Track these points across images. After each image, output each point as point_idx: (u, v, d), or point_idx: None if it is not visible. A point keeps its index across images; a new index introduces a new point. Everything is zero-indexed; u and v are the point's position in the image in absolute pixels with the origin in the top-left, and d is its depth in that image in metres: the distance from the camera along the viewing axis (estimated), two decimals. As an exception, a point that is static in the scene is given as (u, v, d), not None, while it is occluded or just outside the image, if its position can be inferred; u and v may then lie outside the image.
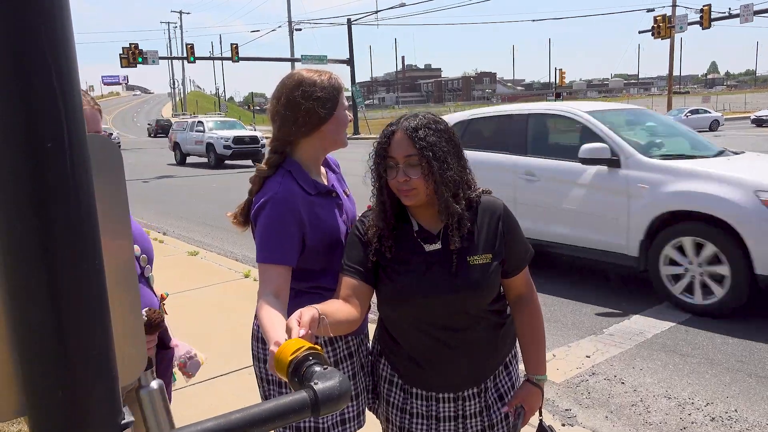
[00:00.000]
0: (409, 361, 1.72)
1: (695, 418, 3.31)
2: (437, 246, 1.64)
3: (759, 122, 32.77)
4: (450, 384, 1.72)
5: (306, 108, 1.73)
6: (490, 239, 1.66)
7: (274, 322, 1.47)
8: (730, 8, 28.30)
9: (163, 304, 2.26)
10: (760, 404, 3.43)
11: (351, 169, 2.54)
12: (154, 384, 1.82)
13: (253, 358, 1.90)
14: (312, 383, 1.00)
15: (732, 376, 3.79)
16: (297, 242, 1.69)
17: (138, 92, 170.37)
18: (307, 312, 1.31)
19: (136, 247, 2.09)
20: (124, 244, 0.85)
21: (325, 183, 1.87)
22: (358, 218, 1.76)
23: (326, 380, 1.02)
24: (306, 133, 1.77)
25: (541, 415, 1.81)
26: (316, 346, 1.18)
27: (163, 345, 2.17)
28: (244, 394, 3.56)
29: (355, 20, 36.84)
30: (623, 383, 3.77)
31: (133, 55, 29.46)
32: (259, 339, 1.84)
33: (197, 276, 6.26)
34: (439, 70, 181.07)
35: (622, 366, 4.02)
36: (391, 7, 35.95)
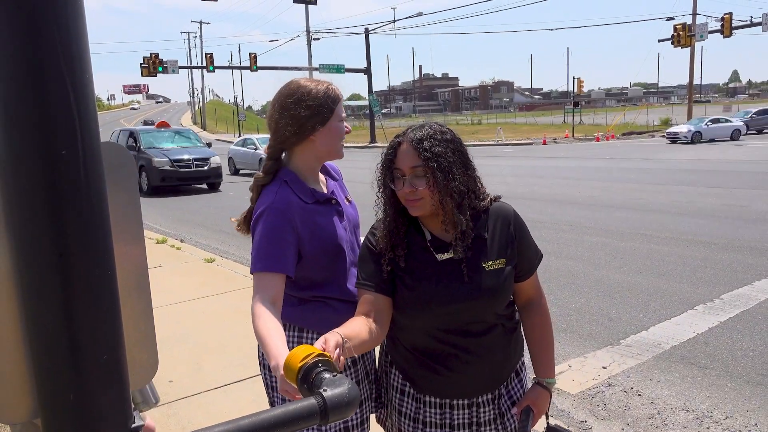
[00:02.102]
0: (425, 369, 1.71)
1: (714, 432, 3.26)
2: (450, 254, 1.64)
3: None
4: (466, 390, 1.72)
5: (296, 116, 1.74)
6: (502, 244, 1.68)
7: (272, 334, 1.47)
8: (752, 16, 28.00)
9: None
10: (781, 419, 3.36)
11: (363, 176, 2.54)
12: None
13: (259, 365, 1.91)
14: (321, 390, 1.01)
15: (752, 390, 3.72)
16: (293, 251, 1.69)
17: (161, 100, 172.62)
18: (332, 339, 1.33)
19: None
20: (137, 250, 0.86)
21: (324, 191, 1.88)
22: (369, 231, 1.76)
23: (335, 387, 1.02)
24: (296, 141, 1.78)
25: (548, 418, 1.81)
26: (326, 353, 1.19)
27: None
28: (258, 401, 3.57)
29: (373, 30, 37.06)
30: (640, 395, 3.72)
31: (153, 65, 29.90)
32: (265, 365, 1.86)
33: (214, 283, 6.31)
34: (457, 78, 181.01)
35: (640, 378, 3.96)
36: (409, 17, 36.11)
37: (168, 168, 15.91)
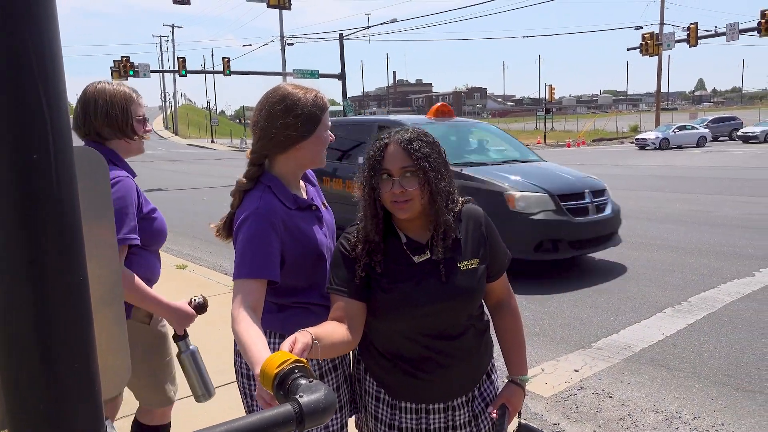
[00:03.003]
0: (401, 374, 1.71)
1: (683, 433, 3.32)
2: (427, 256, 1.66)
3: (746, 138, 33.19)
4: (441, 393, 1.73)
5: (285, 124, 1.72)
6: (476, 245, 1.71)
7: (255, 341, 1.46)
8: (716, 27, 28.84)
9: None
10: (746, 418, 3.45)
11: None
12: (193, 347, 2.47)
13: (236, 373, 1.89)
14: (297, 396, 1.00)
15: (719, 390, 3.81)
16: (277, 257, 1.68)
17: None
18: (302, 339, 1.32)
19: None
20: (109, 257, 0.85)
21: (305, 197, 1.88)
22: (341, 235, 1.75)
23: (311, 393, 1.02)
24: (283, 149, 1.76)
25: (520, 416, 1.83)
26: (302, 359, 1.18)
27: None
28: (236, 408, 3.53)
29: (347, 35, 37.06)
30: (611, 397, 3.78)
31: (124, 68, 29.46)
32: (241, 354, 1.84)
33: (186, 290, 6.22)
34: (431, 85, 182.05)
35: (611, 380, 4.03)
36: (383, 23, 36.23)
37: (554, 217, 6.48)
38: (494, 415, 1.74)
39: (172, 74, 66.72)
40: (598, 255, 7.52)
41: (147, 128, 2.29)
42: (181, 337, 2.39)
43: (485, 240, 1.74)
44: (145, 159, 37.27)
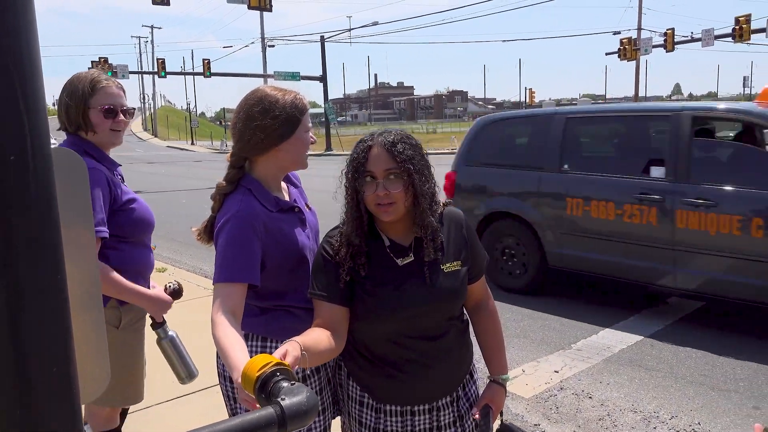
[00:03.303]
0: (385, 378, 1.71)
1: (661, 432, 3.37)
2: (410, 258, 1.67)
3: (720, 142, 33.74)
4: (426, 395, 1.73)
5: (263, 126, 1.71)
6: (458, 247, 1.73)
7: (233, 345, 1.45)
8: (692, 32, 29.38)
9: None
10: (722, 417, 3.51)
11: (324, 185, 2.55)
12: (172, 333, 2.52)
13: (219, 376, 1.88)
14: (279, 399, 1.00)
15: (695, 390, 3.87)
16: (258, 260, 1.67)
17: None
18: (292, 352, 1.32)
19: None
20: (88, 260, 0.84)
21: (287, 198, 1.87)
22: (323, 239, 1.74)
23: (293, 396, 1.02)
24: (261, 151, 1.75)
25: (502, 416, 1.85)
26: (284, 361, 1.18)
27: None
28: (211, 413, 3.49)
29: (329, 38, 37.04)
30: (591, 398, 3.82)
31: (102, 69, 29.12)
32: (225, 377, 1.83)
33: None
34: (412, 87, 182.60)
35: (590, 381, 4.07)
36: (365, 26, 36.29)
37: None
38: (477, 416, 1.75)
39: (151, 75, 66.07)
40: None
41: (117, 119, 2.17)
42: (159, 325, 2.40)
43: (466, 242, 1.76)
44: (123, 161, 36.71)
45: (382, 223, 1.68)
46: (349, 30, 39.80)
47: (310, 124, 1.84)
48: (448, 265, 1.69)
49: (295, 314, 1.80)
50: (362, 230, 1.65)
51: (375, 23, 38.03)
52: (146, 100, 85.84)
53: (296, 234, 1.80)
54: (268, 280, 1.72)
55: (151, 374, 4.04)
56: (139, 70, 73.01)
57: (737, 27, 25.76)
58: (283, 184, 1.91)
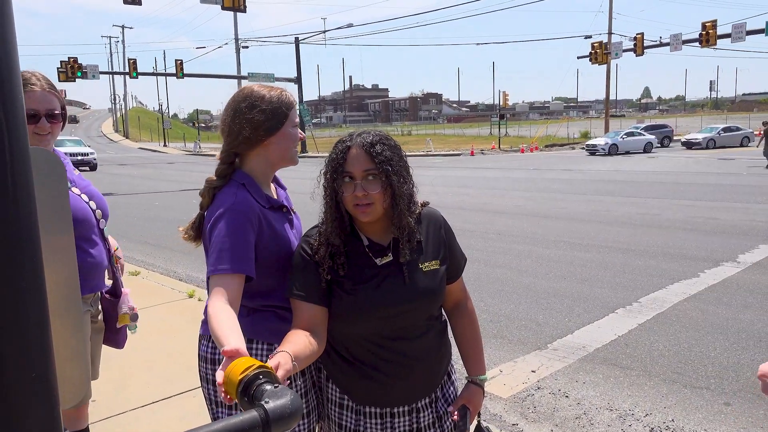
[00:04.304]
0: (365, 379, 1.70)
1: (635, 429, 3.42)
2: (389, 258, 1.67)
3: (689, 145, 34.53)
4: (406, 396, 1.73)
5: (250, 120, 1.74)
6: (436, 246, 1.74)
7: (224, 323, 1.43)
8: (661, 37, 29.92)
9: (118, 258, 2.67)
10: (694, 413, 3.58)
11: (298, 186, 2.53)
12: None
13: (201, 379, 1.85)
14: (263, 402, 0.99)
15: (669, 387, 3.94)
16: (253, 253, 1.67)
17: (88, 107, 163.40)
18: (284, 366, 1.32)
19: (92, 203, 2.34)
20: (67, 262, 0.82)
21: (277, 199, 1.88)
22: (302, 239, 1.74)
23: (277, 399, 1.01)
24: (250, 146, 1.77)
25: (479, 417, 1.85)
26: (267, 364, 1.17)
27: (115, 294, 2.57)
28: (188, 418, 3.45)
29: (303, 39, 36.93)
30: (567, 397, 3.86)
31: (72, 70, 28.55)
32: (207, 360, 1.80)
33: (138, 297, 6.04)
34: (387, 90, 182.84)
35: (567, 380, 4.12)
36: (339, 27, 36.28)
37: None
38: (455, 417, 1.75)
39: (122, 76, 65.00)
40: (554, 257, 7.69)
41: (39, 124, 2.09)
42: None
43: (444, 242, 1.77)
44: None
45: (361, 222, 1.68)
46: (324, 32, 39.70)
47: (298, 120, 1.86)
48: (426, 264, 1.70)
49: (282, 316, 1.79)
50: (342, 230, 1.65)
51: (350, 25, 38.04)
52: (117, 101, 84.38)
53: (286, 233, 1.80)
54: (258, 277, 1.71)
55: (127, 378, 3.98)
56: (110, 70, 71.80)
57: (704, 32, 26.36)
58: (272, 186, 1.91)
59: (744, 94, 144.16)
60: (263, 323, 1.77)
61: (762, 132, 21.50)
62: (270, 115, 1.75)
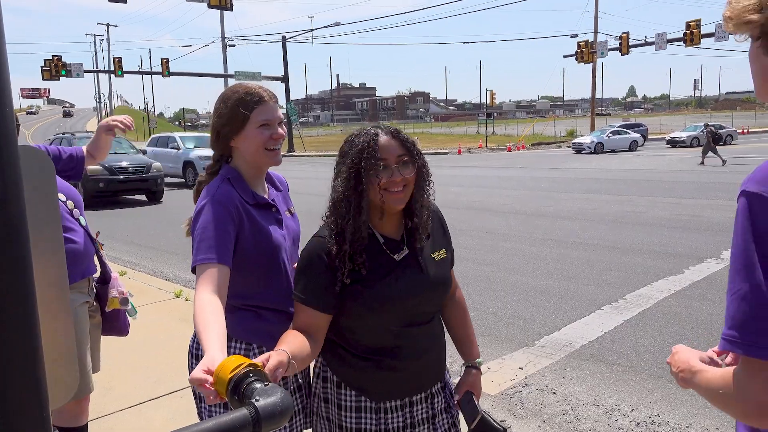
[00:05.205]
0: (384, 371, 1.69)
1: (622, 424, 3.46)
2: (405, 252, 1.69)
3: (673, 143, 34.89)
4: (423, 382, 1.76)
5: (213, 123, 1.81)
6: (440, 235, 1.80)
7: (208, 324, 1.43)
8: (646, 36, 30.23)
9: (101, 244, 2.66)
10: (680, 408, 3.63)
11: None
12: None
13: (189, 353, 1.86)
14: (253, 400, 0.99)
15: (654, 383, 3.99)
16: (232, 243, 1.69)
17: (67, 105, 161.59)
18: (276, 356, 1.32)
19: (61, 195, 2.37)
20: (56, 261, 0.82)
21: (265, 197, 1.87)
22: (315, 243, 1.66)
23: (267, 397, 1.01)
24: (223, 147, 1.83)
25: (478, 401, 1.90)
26: (257, 362, 1.17)
27: (104, 280, 2.58)
28: (176, 419, 3.43)
29: (290, 38, 36.81)
30: (555, 393, 3.89)
31: (56, 68, 28.25)
32: (197, 357, 1.79)
33: (125, 297, 6.01)
34: (374, 89, 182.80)
35: (554, 376, 4.15)
36: (326, 26, 36.19)
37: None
38: (458, 400, 1.81)
39: (107, 74, 64.34)
40: (541, 255, 7.74)
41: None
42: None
43: (445, 231, 1.83)
44: (78, 162, 35.66)
45: (374, 220, 1.67)
46: (311, 30, 39.60)
47: (268, 118, 1.80)
48: (437, 253, 1.75)
49: (264, 316, 1.79)
50: (361, 228, 1.62)
51: (337, 24, 37.98)
52: (102, 100, 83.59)
53: (270, 231, 1.79)
54: (238, 274, 1.70)
55: (114, 379, 3.95)
56: (95, 68, 71.03)
57: (688, 31, 26.64)
58: (265, 185, 1.92)
59: (727, 93, 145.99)
60: (244, 323, 1.77)
61: (707, 133, 22.49)
62: (227, 120, 1.79)
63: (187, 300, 5.82)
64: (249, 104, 1.77)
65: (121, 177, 14.94)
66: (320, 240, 1.66)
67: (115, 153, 15.37)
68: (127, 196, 16.21)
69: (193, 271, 1.62)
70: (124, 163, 15.08)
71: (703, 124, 25.24)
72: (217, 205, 1.69)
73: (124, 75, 32.39)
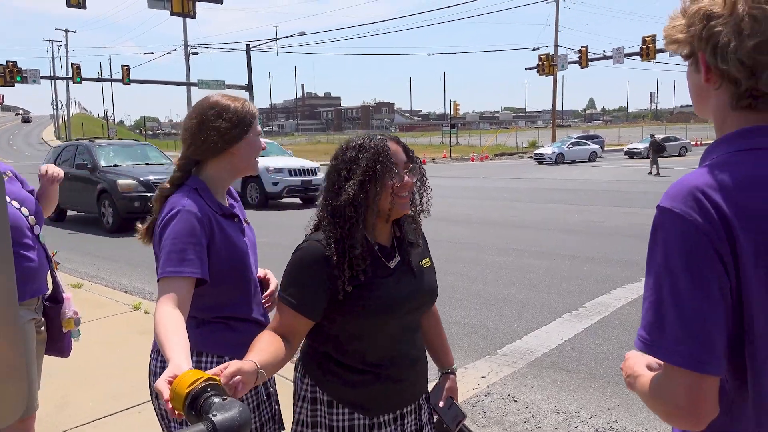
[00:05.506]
0: (380, 383, 1.67)
1: (581, 430, 3.52)
2: (398, 259, 1.71)
3: (631, 154, 35.89)
4: (413, 392, 1.76)
5: (217, 127, 1.77)
6: (424, 245, 1.82)
7: (171, 335, 1.41)
8: (604, 50, 31.11)
9: (56, 263, 2.59)
10: (637, 413, 3.71)
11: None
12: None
13: (151, 394, 1.81)
14: (211, 415, 0.98)
15: (612, 389, 4.07)
16: (206, 255, 1.66)
17: (20, 112, 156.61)
18: (234, 365, 1.30)
19: (24, 209, 2.33)
20: (3, 274, 0.80)
21: (229, 208, 1.87)
22: (311, 248, 1.61)
23: (225, 411, 1.00)
24: (215, 153, 1.80)
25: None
26: (215, 376, 1.15)
27: (56, 300, 2.53)
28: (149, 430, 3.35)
29: (255, 47, 36.54)
30: (516, 401, 3.94)
31: (11, 74, 27.40)
32: (157, 374, 1.76)
33: (81, 310, 5.83)
34: (339, 98, 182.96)
35: (515, 384, 4.20)
36: (291, 35, 36.11)
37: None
38: (441, 405, 1.84)
39: (65, 81, 62.79)
40: (503, 264, 7.85)
41: None
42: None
43: (425, 240, 1.85)
44: (33, 171, 34.66)
45: (371, 227, 1.67)
46: (276, 39, 39.39)
47: (260, 129, 1.90)
48: (424, 261, 1.78)
49: (233, 327, 1.77)
50: (363, 233, 1.63)
51: (302, 33, 37.91)
52: (60, 107, 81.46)
53: (238, 241, 1.80)
54: (210, 286, 1.69)
55: (69, 394, 3.84)
56: (52, 75, 69.25)
57: (644, 46, 27.49)
58: (226, 197, 1.92)
59: (682, 106, 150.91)
60: (213, 335, 1.74)
61: (650, 144, 24.22)
62: (236, 124, 1.79)
63: (146, 312, 5.70)
64: (252, 114, 1.85)
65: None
66: (317, 245, 1.61)
67: (146, 164, 12.81)
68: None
69: (159, 282, 1.60)
70: (162, 177, 10.73)
71: (649, 135, 26.72)
72: (189, 214, 1.66)
73: (83, 82, 31.63)
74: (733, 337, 0.97)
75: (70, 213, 13.86)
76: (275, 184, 15.08)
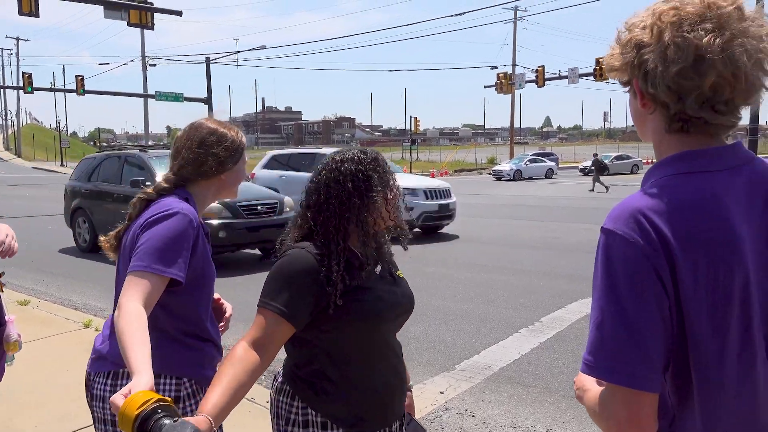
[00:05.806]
0: (376, 396, 1.65)
1: (537, 445, 3.57)
2: (378, 268, 1.72)
3: (585, 171, 36.84)
4: (398, 408, 1.75)
5: (216, 154, 1.83)
6: (392, 257, 1.84)
7: (138, 344, 1.38)
8: (560, 70, 32.00)
9: (1, 284, 2.56)
10: (591, 427, 3.78)
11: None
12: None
13: (97, 421, 1.74)
14: (160, 437, 0.96)
15: (567, 403, 4.14)
16: (188, 260, 1.66)
17: None
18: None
19: None
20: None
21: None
22: (304, 258, 1.56)
23: (175, 434, 0.98)
24: (208, 176, 1.85)
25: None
26: (166, 397, 1.13)
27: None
28: (82, 458, 3.23)
29: (215, 59, 36.20)
30: (474, 416, 3.96)
31: (-44, 82, 26.41)
32: (105, 400, 1.70)
33: (28, 328, 5.62)
34: (300, 113, 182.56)
35: (473, 400, 4.23)
36: (252, 49, 35.95)
37: None
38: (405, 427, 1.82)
39: (15, 90, 60.84)
40: (462, 279, 7.92)
41: None
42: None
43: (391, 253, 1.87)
44: (-20, 183, 33.40)
45: (354, 238, 1.66)
46: (236, 53, 39.16)
47: (247, 159, 1.97)
48: (398, 272, 1.80)
49: (191, 347, 1.74)
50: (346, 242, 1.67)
51: (263, 47, 37.83)
52: (9, 117, 78.82)
53: (210, 259, 1.83)
54: (176, 296, 1.67)
55: (15, 416, 3.68)
56: (2, 84, 67.10)
57: (597, 67, 28.39)
58: None
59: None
60: (172, 355, 1.69)
61: (593, 163, 25.69)
62: (231, 152, 1.87)
63: (97, 330, 5.52)
64: (244, 144, 1.94)
65: (251, 221, 8.98)
66: (306, 254, 1.57)
67: None
68: (246, 249, 9.81)
69: (130, 274, 1.56)
70: (251, 201, 9.13)
71: (593, 155, 28.05)
72: (185, 219, 1.68)
73: (35, 92, 30.71)
74: (676, 354, 1.00)
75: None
76: (410, 209, 13.76)
